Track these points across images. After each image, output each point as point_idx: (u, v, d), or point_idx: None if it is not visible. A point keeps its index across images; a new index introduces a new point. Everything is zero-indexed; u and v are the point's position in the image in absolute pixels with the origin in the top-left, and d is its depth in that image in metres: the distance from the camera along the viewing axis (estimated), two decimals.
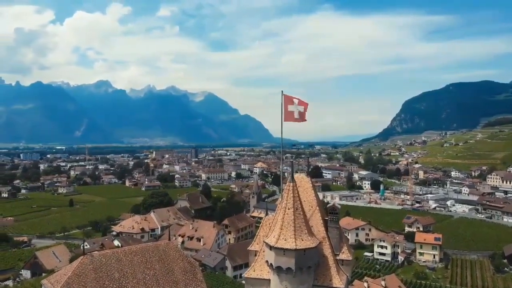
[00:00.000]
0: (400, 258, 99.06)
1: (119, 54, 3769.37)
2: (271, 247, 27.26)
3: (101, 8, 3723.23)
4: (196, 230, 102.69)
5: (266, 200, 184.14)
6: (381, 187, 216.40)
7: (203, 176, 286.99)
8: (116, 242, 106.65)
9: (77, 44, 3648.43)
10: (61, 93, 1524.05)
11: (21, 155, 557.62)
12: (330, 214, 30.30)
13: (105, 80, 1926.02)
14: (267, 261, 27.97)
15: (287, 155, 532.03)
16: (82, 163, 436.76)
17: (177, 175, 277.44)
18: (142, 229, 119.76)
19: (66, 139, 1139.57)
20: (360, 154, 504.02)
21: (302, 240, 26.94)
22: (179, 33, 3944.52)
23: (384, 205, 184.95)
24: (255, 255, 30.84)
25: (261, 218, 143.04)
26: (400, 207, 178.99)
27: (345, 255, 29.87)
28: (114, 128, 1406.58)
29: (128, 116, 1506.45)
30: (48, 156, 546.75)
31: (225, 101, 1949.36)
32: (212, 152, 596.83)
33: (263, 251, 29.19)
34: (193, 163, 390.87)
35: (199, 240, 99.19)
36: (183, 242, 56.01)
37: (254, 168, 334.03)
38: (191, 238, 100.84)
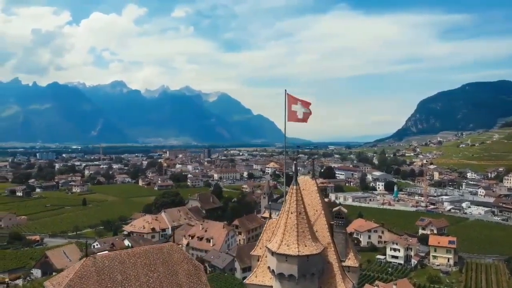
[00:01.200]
0: (413, 261, 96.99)
1: (134, 55, 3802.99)
2: (273, 253, 26.24)
3: (117, 9, 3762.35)
4: (206, 231, 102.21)
5: (277, 201, 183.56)
6: (395, 188, 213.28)
7: (215, 176, 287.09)
8: (126, 242, 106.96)
9: (93, 45, 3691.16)
10: (77, 93, 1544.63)
11: (37, 154, 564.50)
12: (336, 218, 29.14)
13: (120, 80, 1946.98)
14: (269, 267, 26.95)
15: (299, 155, 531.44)
16: (97, 162, 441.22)
17: (189, 175, 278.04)
18: (153, 229, 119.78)
19: (82, 138, 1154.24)
20: (374, 154, 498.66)
21: (306, 246, 25.84)
22: (193, 33, 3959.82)
23: (398, 207, 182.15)
24: (258, 260, 29.90)
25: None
26: (414, 209, 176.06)
27: (351, 261, 28.68)
28: (129, 128, 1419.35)
29: (142, 116, 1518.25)
30: (64, 155, 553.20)
31: (238, 101, 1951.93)
32: (225, 152, 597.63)
33: (266, 257, 28.18)
34: (205, 163, 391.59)
35: (208, 240, 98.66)
36: (188, 244, 55.33)
37: (266, 168, 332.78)
38: (200, 238, 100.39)
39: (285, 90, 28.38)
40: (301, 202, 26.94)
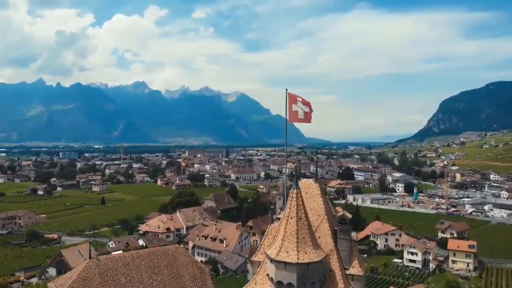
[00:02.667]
0: (432, 265, 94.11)
1: (155, 56, 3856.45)
2: (271, 260, 25.19)
3: (139, 10, 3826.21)
4: (219, 231, 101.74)
5: None
6: (415, 190, 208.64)
7: (232, 176, 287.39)
8: (141, 242, 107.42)
9: (116, 46, 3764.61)
10: (100, 93, 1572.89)
11: (60, 153, 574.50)
12: (340, 224, 27.84)
13: (142, 81, 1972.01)
14: (268, 275, 25.93)
15: (318, 156, 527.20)
16: (117, 162, 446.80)
17: (207, 175, 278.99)
18: (168, 229, 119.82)
19: (104, 138, 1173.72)
20: (395, 155, 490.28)
21: (306, 253, 24.67)
22: (213, 34, 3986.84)
23: (418, 209, 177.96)
24: (259, 266, 28.86)
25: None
26: (434, 211, 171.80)
27: (355, 269, 27.33)
28: (150, 128, 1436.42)
29: (163, 116, 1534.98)
30: (86, 155, 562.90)
31: (257, 101, 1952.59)
32: (243, 152, 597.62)
33: (266, 263, 27.16)
34: (223, 162, 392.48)
35: (222, 241, 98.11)
36: (194, 246, 54.65)
37: (283, 169, 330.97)
38: (214, 239, 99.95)
39: (286, 90, 27.31)
40: (302, 207, 25.77)
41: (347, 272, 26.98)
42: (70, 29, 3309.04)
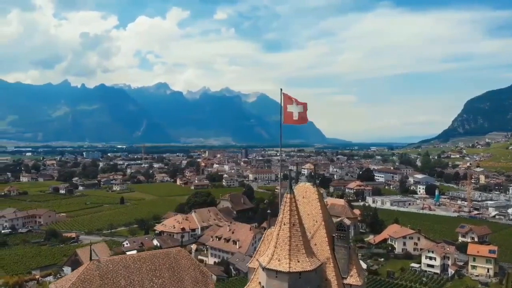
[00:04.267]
0: (450, 271, 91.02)
1: (177, 57, 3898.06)
2: (263, 268, 24.22)
3: (161, 12, 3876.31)
4: (233, 232, 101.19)
5: None
6: (436, 192, 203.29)
7: (251, 176, 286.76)
8: (155, 242, 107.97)
9: (139, 48, 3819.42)
10: (123, 94, 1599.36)
11: (84, 153, 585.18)
12: (338, 230, 26.63)
13: (164, 82, 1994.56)
14: (260, 283, 24.97)
15: (338, 156, 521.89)
16: (139, 161, 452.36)
17: (225, 175, 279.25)
18: (183, 229, 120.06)
19: (127, 138, 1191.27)
20: (418, 156, 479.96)
21: (298, 261, 23.57)
22: (234, 35, 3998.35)
23: (439, 212, 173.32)
24: (253, 274, 27.90)
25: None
26: (456, 214, 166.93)
27: (353, 279, 26.05)
28: (171, 128, 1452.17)
29: (184, 116, 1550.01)
30: (109, 154, 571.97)
31: (277, 101, 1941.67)
32: (262, 152, 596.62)
33: (259, 270, 26.19)
34: (242, 163, 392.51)
35: (235, 243, 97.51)
36: (197, 250, 54.14)
37: (302, 170, 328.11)
38: (227, 240, 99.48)
39: (281, 90, 26.25)
40: (296, 213, 24.64)
41: (345, 281, 25.75)
42: (94, 31, 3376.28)
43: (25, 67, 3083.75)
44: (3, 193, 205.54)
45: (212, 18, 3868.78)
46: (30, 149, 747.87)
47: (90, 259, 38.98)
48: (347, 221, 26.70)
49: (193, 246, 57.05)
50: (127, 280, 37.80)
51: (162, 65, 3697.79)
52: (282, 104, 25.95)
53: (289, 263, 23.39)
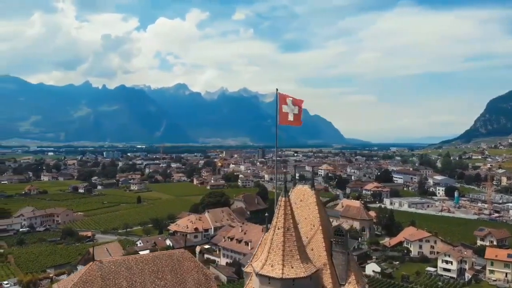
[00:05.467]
0: (467, 275, 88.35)
1: (196, 58, 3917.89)
2: (256, 273, 23.58)
3: (181, 14, 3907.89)
4: (245, 233, 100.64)
5: (325, 205, 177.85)
6: (456, 194, 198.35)
7: (266, 176, 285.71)
8: (168, 242, 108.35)
9: (159, 49, 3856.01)
10: (143, 95, 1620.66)
11: (104, 153, 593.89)
12: (336, 235, 25.73)
13: (183, 83, 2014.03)
14: None
15: (357, 157, 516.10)
16: (157, 161, 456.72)
17: (241, 175, 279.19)
18: (196, 229, 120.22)
19: (147, 138, 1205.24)
20: (439, 157, 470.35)
21: (292, 267, 22.82)
22: (253, 35, 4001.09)
23: (458, 214, 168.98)
24: (249, 278, 27.27)
25: None
26: (475, 216, 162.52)
27: (351, 286, 25.08)
28: (190, 129, 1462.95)
29: (203, 117, 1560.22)
30: (129, 154, 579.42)
31: None
32: (279, 152, 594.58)
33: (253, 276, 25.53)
34: (258, 163, 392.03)
35: (247, 243, 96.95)
36: (200, 251, 53.64)
37: (319, 170, 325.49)
38: (239, 241, 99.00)
39: (276, 90, 25.59)
40: (290, 217, 23.91)
41: None
42: (115, 33, 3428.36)
43: (48, 68, 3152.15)
44: (23, 192, 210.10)
45: (230, 19, 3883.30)
46: (52, 149, 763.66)
47: (93, 259, 39.13)
48: (345, 227, 25.79)
49: (197, 248, 56.61)
50: (129, 281, 37.65)
51: (181, 66, 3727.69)
52: (278, 104, 25.18)
53: (282, 269, 22.70)
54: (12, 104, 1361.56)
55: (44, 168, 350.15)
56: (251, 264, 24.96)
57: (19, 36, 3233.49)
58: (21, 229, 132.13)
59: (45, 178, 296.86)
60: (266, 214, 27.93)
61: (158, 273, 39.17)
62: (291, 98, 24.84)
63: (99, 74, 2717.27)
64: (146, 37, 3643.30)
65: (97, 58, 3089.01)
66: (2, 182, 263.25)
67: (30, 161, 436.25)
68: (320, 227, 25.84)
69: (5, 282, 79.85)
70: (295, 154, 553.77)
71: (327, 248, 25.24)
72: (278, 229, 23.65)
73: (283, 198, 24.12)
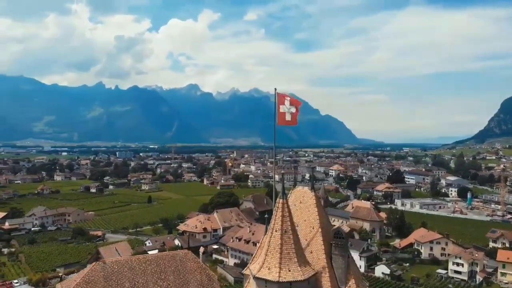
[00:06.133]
0: (479, 278, 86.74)
1: (207, 59, 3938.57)
2: (253, 276, 23.31)
3: (193, 15, 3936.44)
4: (253, 234, 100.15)
5: (336, 206, 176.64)
6: (468, 195, 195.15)
7: (276, 177, 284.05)
8: (176, 242, 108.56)
9: (171, 50, 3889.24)
10: (155, 96, 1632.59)
11: (117, 153, 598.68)
12: (335, 238, 25.33)
13: (195, 83, 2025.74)
14: None
15: (369, 157, 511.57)
16: (169, 161, 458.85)
17: (251, 175, 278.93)
18: (205, 229, 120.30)
19: (159, 138, 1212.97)
20: (452, 157, 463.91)
21: (289, 270, 22.52)
22: (264, 36, 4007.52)
23: (470, 216, 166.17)
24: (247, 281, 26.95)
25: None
26: (488, 218, 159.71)
27: None
28: (202, 129, 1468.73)
29: (214, 117, 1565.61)
30: (141, 154, 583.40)
31: (306, 101, 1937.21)
32: (290, 153, 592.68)
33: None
34: (268, 163, 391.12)
35: (255, 244, 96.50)
36: (204, 253, 53.33)
37: (330, 171, 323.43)
38: (247, 241, 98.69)
39: (275, 89, 25.30)
40: (288, 219, 23.60)
41: None
42: (128, 34, 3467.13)
43: (62, 69, 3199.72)
44: (36, 192, 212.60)
45: (242, 19, 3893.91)
46: (66, 149, 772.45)
47: (96, 259, 39.25)
48: (345, 229, 25.32)
49: (201, 249, 56.47)
50: (132, 282, 37.67)
51: (193, 66, 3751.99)
52: (276, 104, 24.85)
53: (279, 272, 22.43)
54: (27, 104, 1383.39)
55: (57, 168, 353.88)
56: (248, 267, 24.66)
57: (34, 37, 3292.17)
58: (32, 228, 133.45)
59: (58, 177, 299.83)
60: (266, 216, 27.57)
61: (161, 273, 39.14)
62: (289, 98, 24.50)
63: (112, 75, 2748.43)
64: (158, 38, 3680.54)
65: (110, 59, 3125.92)
66: (16, 181, 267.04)
67: (44, 161, 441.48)
68: (320, 230, 25.48)
69: (15, 281, 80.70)
70: (306, 155, 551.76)
71: (326, 251, 24.88)
72: (276, 231, 23.36)
73: (281, 200, 23.81)
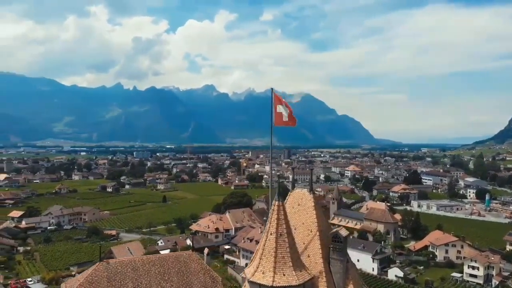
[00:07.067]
0: (494, 281, 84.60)
1: (224, 60, 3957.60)
2: (247, 280, 22.93)
3: (210, 16, 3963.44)
4: None
5: (351, 207, 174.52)
6: (487, 196, 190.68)
7: (290, 177, 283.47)
8: (188, 241, 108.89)
9: (187, 51, 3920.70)
10: (172, 96, 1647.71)
11: (135, 153, 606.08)
12: (333, 242, 24.72)
13: (211, 84, 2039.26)
14: None
15: (386, 158, 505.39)
16: (184, 161, 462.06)
17: (265, 176, 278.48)
18: (217, 229, 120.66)
19: (176, 139, 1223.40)
20: (471, 158, 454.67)
21: (284, 275, 22.02)
22: (280, 36, 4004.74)
23: (488, 218, 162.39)
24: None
25: (340, 226, 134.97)
26: (507, 220, 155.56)
27: None
28: (218, 129, 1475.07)
29: (230, 118, 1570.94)
30: (158, 154, 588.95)
31: (322, 101, 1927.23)
32: (306, 153, 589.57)
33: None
34: (283, 163, 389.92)
35: None
36: (208, 254, 53.06)
37: (346, 171, 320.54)
38: (258, 242, 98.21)
39: (272, 89, 24.90)
40: (284, 222, 23.05)
41: None
42: (146, 35, 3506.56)
43: (81, 71, 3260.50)
44: (54, 191, 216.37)
45: (258, 20, 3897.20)
46: (85, 149, 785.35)
47: (100, 259, 39.45)
48: (343, 233, 24.73)
49: (205, 251, 56.16)
50: (135, 282, 37.65)
51: (209, 67, 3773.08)
52: (273, 105, 24.48)
53: (273, 277, 21.94)
54: (47, 105, 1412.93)
55: (75, 167, 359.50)
56: (244, 270, 24.28)
57: (54, 39, 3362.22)
58: (48, 227, 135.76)
59: (76, 177, 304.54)
60: (265, 218, 27.17)
61: (165, 274, 39.02)
62: (284, 102, 24.17)
63: (130, 76, 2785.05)
64: (175, 39, 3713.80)
65: (128, 60, 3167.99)
66: (35, 181, 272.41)
67: (62, 160, 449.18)
68: (318, 233, 24.88)
69: (29, 279, 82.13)
70: (322, 155, 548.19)
71: (324, 255, 24.28)
72: (271, 234, 22.91)
73: (276, 202, 23.30)
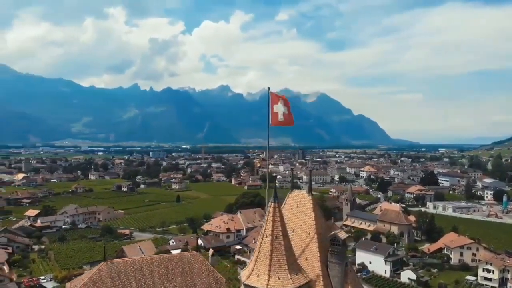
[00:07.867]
0: (510, 285, 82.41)
1: (239, 60, 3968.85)
2: (242, 283, 22.66)
3: (225, 17, 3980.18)
4: None
5: (365, 208, 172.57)
6: (504, 198, 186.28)
7: (304, 178, 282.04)
8: (199, 241, 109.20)
9: (203, 52, 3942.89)
10: (188, 97, 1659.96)
11: (151, 153, 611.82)
12: (332, 245, 24.30)
13: (226, 85, 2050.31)
14: None
15: (402, 158, 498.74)
16: (199, 161, 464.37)
17: (279, 176, 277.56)
18: (228, 229, 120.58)
19: (191, 139, 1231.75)
20: (490, 158, 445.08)
21: (279, 278, 21.70)
22: (296, 36, 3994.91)
23: (506, 220, 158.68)
24: None
25: (353, 227, 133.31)
26: None
27: None
28: (232, 129, 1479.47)
29: (245, 118, 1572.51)
30: (173, 154, 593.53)
31: (338, 101, 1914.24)
32: (321, 153, 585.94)
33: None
34: (297, 164, 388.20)
35: None
36: (213, 255, 53.08)
37: (361, 172, 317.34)
38: None
39: (268, 88, 24.60)
40: (280, 224, 22.71)
41: None
42: (162, 36, 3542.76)
43: (99, 72, 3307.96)
44: (70, 190, 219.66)
45: (274, 20, 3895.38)
46: (102, 149, 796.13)
47: (104, 259, 39.75)
48: (342, 236, 24.25)
49: (210, 251, 56.25)
50: (138, 282, 37.83)
51: (225, 68, 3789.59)
52: (270, 104, 24.18)
53: (268, 280, 21.64)
54: (66, 106, 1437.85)
55: (92, 167, 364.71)
56: (240, 273, 24.05)
57: (72, 41, 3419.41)
58: (63, 226, 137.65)
59: (92, 176, 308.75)
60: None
61: (168, 275, 39.13)
62: (283, 99, 23.77)
63: (147, 77, 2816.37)
64: (191, 40, 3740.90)
65: (144, 62, 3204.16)
66: (52, 180, 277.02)
67: (80, 160, 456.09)
68: (316, 236, 24.53)
69: (42, 277, 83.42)
70: (337, 155, 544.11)
71: (322, 259, 23.88)
72: (266, 237, 22.60)
73: (272, 204, 22.98)
